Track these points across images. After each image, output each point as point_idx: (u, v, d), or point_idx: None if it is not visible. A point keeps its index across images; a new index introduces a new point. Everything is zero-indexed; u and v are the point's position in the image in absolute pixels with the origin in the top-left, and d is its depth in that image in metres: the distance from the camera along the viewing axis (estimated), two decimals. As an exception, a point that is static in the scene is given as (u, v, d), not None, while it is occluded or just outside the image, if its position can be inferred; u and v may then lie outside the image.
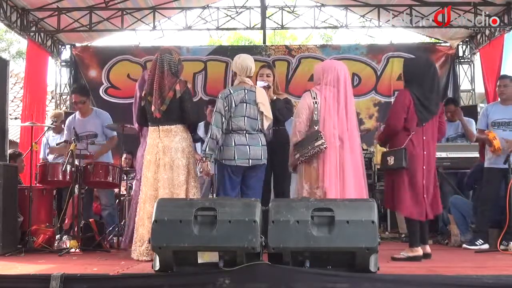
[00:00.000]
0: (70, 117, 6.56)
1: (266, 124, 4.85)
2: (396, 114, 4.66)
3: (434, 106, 4.72)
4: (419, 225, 4.66)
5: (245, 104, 4.82)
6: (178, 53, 5.02)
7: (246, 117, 4.81)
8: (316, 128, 4.57)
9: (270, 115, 4.88)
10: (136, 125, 5.45)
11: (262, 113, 4.83)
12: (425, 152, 4.64)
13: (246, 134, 4.80)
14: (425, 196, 4.62)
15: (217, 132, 4.75)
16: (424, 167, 4.62)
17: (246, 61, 4.95)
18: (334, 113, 4.59)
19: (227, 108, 4.80)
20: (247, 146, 4.77)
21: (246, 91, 4.87)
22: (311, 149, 4.50)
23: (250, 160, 4.77)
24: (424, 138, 4.66)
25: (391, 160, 4.61)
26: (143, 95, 4.92)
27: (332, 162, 4.50)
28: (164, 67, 4.79)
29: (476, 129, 6.30)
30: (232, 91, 4.88)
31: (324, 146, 4.48)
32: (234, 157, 4.75)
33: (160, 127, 4.82)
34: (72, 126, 6.22)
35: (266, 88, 5.30)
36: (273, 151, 5.05)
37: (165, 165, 4.75)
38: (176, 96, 4.76)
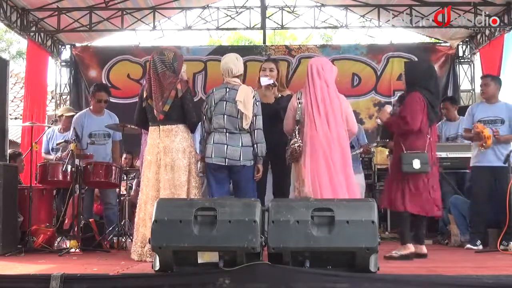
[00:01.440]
0: (80, 116, 6.48)
1: (245, 123, 4.74)
2: (416, 115, 4.67)
3: (438, 109, 4.95)
4: (410, 224, 4.77)
5: (224, 102, 4.80)
6: (172, 49, 4.97)
7: (225, 115, 4.77)
8: (297, 127, 4.64)
9: (250, 114, 4.74)
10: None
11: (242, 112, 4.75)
12: (434, 154, 4.81)
13: (227, 133, 4.77)
14: (430, 193, 4.74)
15: (202, 131, 4.90)
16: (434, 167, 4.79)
17: (227, 63, 4.92)
18: (316, 113, 4.62)
19: (207, 107, 4.86)
20: (225, 145, 4.74)
21: (227, 89, 4.85)
22: (287, 149, 4.64)
23: (227, 160, 4.73)
24: (435, 140, 4.88)
25: (417, 164, 4.59)
26: (144, 96, 4.89)
27: (317, 160, 4.53)
28: (158, 69, 4.76)
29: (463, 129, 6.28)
30: (214, 90, 4.93)
31: (297, 145, 4.57)
32: (211, 155, 4.76)
33: (161, 127, 4.80)
34: (82, 124, 6.24)
35: (271, 86, 5.23)
36: (274, 151, 4.95)
37: (166, 165, 4.74)
38: (178, 95, 4.75)
